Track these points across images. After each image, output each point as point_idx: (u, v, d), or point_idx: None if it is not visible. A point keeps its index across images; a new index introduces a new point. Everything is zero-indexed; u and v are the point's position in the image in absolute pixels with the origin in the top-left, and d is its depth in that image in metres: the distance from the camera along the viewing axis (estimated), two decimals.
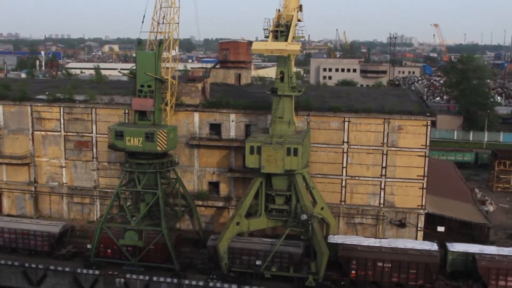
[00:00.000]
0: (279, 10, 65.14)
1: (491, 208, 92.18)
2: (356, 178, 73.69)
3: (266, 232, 73.53)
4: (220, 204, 76.13)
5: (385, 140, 72.31)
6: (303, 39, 68.37)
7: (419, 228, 73.67)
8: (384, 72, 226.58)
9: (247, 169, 68.77)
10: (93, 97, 78.66)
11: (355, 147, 73.01)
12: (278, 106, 65.20)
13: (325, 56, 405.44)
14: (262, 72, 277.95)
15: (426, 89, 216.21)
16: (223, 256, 64.80)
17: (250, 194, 65.59)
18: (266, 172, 63.36)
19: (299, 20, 66.96)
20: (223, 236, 64.86)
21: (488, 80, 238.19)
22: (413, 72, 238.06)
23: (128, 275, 66.64)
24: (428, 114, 71.85)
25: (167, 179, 70.31)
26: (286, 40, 63.24)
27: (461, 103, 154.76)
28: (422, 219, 73.64)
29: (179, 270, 66.39)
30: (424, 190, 72.97)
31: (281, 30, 63.71)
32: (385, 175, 73.03)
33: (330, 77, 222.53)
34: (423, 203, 73.17)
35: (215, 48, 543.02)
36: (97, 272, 67.41)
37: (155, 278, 65.74)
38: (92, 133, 78.97)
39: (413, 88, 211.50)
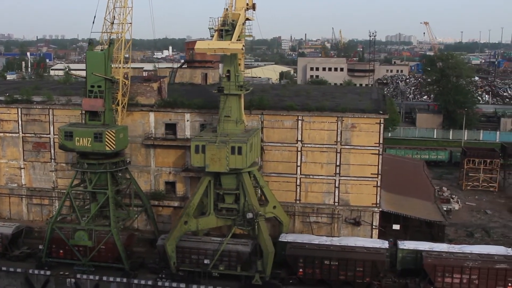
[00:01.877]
0: (226, 9, 65.11)
1: (456, 206, 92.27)
2: (311, 176, 73.59)
3: (223, 231, 73.42)
4: (176, 203, 76.10)
5: (339, 139, 72.20)
6: (251, 38, 68.46)
7: (374, 226, 73.52)
8: (372, 71, 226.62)
9: (202, 169, 68.81)
10: (50, 98, 78.68)
11: (309, 145, 72.91)
12: (225, 105, 65.21)
13: (320, 55, 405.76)
14: (251, 72, 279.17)
15: (413, 88, 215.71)
16: (171, 255, 64.89)
17: (198, 193, 65.66)
18: (210, 171, 63.43)
19: (248, 19, 67.07)
20: (171, 235, 64.99)
21: (477, 78, 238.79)
22: (401, 71, 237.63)
23: (78, 275, 66.78)
24: (381, 112, 71.69)
25: (119, 179, 70.35)
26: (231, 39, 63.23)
27: (441, 102, 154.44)
28: (376, 217, 73.46)
29: (129, 270, 66.46)
30: (378, 188, 72.79)
31: (226, 29, 63.68)
32: (339, 173, 72.90)
33: (317, 76, 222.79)
34: (378, 201, 73.02)
35: None
36: (48, 272, 67.54)
37: (104, 278, 65.93)
38: (49, 134, 78.99)
39: (402, 86, 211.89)
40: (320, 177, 73.41)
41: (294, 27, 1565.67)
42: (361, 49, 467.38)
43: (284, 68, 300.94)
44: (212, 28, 64.44)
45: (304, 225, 74.87)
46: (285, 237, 68.74)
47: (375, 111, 71.74)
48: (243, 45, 62.06)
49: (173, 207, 76.71)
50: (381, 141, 71.82)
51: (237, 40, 62.88)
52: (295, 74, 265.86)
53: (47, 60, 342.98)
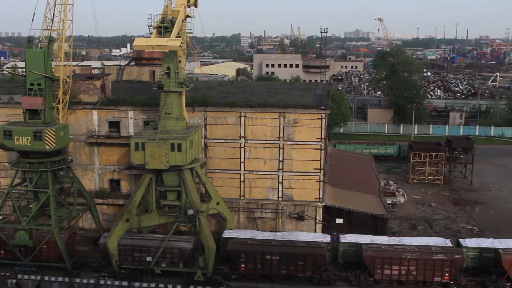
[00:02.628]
0: (166, 6, 65.07)
1: (401, 200, 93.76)
2: (254, 172, 74.13)
3: (169, 228, 73.16)
4: (121, 201, 75.59)
5: (281, 134, 72.85)
6: (191, 35, 68.57)
7: (317, 221, 74.37)
8: (327, 67, 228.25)
9: (143, 166, 68.60)
10: None
11: (252, 141, 73.41)
12: (166, 102, 65.18)
13: (278, 52, 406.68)
14: (207, 69, 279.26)
15: (368, 83, 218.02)
16: (113, 253, 64.79)
17: (139, 191, 65.64)
18: (150, 168, 63.39)
19: (188, 16, 67.12)
20: (112, 233, 64.91)
21: (429, 73, 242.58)
22: (356, 67, 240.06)
23: (20, 276, 66.07)
24: (322, 107, 72.51)
25: (61, 178, 69.87)
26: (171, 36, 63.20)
27: (391, 97, 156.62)
28: (320, 211, 74.37)
29: (71, 269, 66.10)
30: (321, 183, 73.66)
31: (165, 26, 63.65)
32: (283, 169, 73.59)
33: (273, 73, 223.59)
34: (321, 196, 73.88)
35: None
36: None
37: (46, 278, 65.16)
38: None
39: (355, 82, 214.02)
40: (264, 172, 74.00)
41: (255, 24, 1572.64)
42: (319, 46, 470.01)
43: (241, 65, 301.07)
44: (151, 25, 64.29)
45: (249, 221, 75.35)
46: (229, 233, 69.24)
47: (317, 107, 72.55)
48: (181, 42, 61.94)
49: (118, 205, 76.24)
50: (323, 136, 72.67)
51: (176, 37, 62.85)
52: (252, 70, 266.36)
53: (2, 58, 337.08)
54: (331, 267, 66.69)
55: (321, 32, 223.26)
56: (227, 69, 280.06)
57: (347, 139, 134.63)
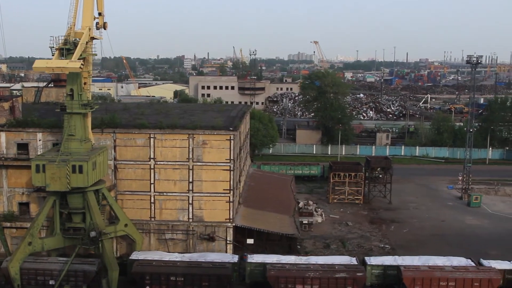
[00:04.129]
0: (70, 28, 64.97)
1: (319, 219, 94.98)
2: (164, 194, 74.16)
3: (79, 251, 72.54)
4: (29, 224, 74.64)
5: (191, 155, 73.19)
6: (95, 57, 68.56)
7: (228, 241, 74.70)
8: (262, 89, 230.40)
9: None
10: None
11: (161, 163, 73.51)
12: (69, 124, 64.88)
13: (217, 74, 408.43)
14: (145, 91, 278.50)
15: (302, 105, 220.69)
16: (15, 278, 63.76)
17: (42, 213, 64.98)
18: (51, 190, 62.84)
19: (94, 38, 67.18)
20: (14, 257, 63.98)
21: (361, 95, 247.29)
22: (291, 89, 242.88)
23: None
24: (231, 128, 73.23)
25: None
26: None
27: (319, 118, 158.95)
28: (230, 232, 74.75)
29: None
30: (231, 204, 74.15)
31: (67, 48, 63.46)
32: (193, 190, 73.87)
33: (208, 95, 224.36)
34: (231, 216, 74.33)
35: (111, 67, 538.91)
36: None
37: None
38: None
39: (285, 103, 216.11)
40: (174, 194, 74.09)
41: (200, 46, 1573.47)
42: (260, 68, 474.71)
43: (180, 87, 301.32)
44: (53, 47, 64.03)
45: (160, 242, 75.17)
46: (136, 255, 68.91)
47: (225, 128, 73.24)
48: (82, 64, 61.74)
49: (27, 228, 75.11)
50: (232, 157, 73.24)
51: (79, 59, 62.74)
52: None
53: None
54: (239, 287, 67.03)
55: (250, 55, 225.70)
56: (165, 91, 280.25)
57: (276, 160, 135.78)
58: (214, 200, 74.00)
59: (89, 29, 65.78)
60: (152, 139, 73.19)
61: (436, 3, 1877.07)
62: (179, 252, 72.21)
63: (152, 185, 74.02)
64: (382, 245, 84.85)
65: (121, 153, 73.52)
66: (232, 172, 73.61)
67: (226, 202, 74.06)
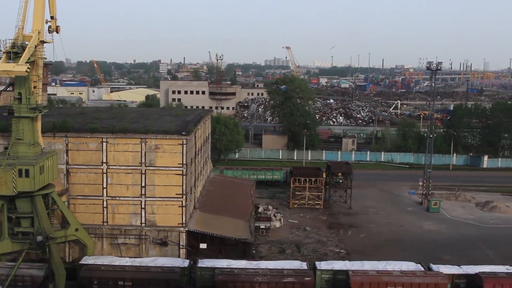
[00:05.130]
0: (18, 31, 64.54)
1: (277, 224, 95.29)
2: (117, 198, 73.86)
3: (31, 256, 71.85)
4: None
5: (143, 160, 73.08)
6: (45, 60, 68.20)
7: (181, 246, 74.64)
8: (233, 94, 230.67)
9: None
10: None
11: (114, 167, 73.25)
12: (17, 128, 64.49)
13: (193, 79, 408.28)
14: (116, 96, 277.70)
15: (269, 110, 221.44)
16: None
17: None
18: None
19: (44, 42, 66.83)
20: None
21: (331, 100, 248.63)
22: (262, 94, 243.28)
23: None
24: (184, 133, 73.28)
25: None
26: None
27: (285, 123, 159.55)
28: (183, 236, 74.70)
29: None
30: (184, 208, 74.14)
31: (15, 51, 63.08)
32: (145, 194, 73.67)
33: (179, 99, 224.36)
34: (184, 221, 74.31)
35: (86, 71, 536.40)
36: None
37: None
38: None
39: (253, 108, 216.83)
40: (126, 198, 73.86)
41: (176, 51, 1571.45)
42: (235, 73, 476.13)
43: (153, 92, 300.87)
44: (1, 50, 63.61)
45: (113, 247, 74.83)
46: (86, 260, 68.67)
47: (178, 132, 73.26)
48: (29, 67, 61.39)
49: None
50: (185, 162, 73.25)
51: (27, 62, 62.43)
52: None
53: None
54: None
55: (217, 60, 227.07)
56: (137, 95, 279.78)
57: (241, 165, 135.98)
58: (167, 204, 73.89)
59: (39, 32, 65.40)
60: (104, 144, 72.94)
61: (412, 10, 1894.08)
62: (131, 257, 72.07)
63: (104, 190, 73.71)
64: (338, 250, 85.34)
65: (73, 157, 73.18)
66: (185, 177, 73.60)
67: (179, 206, 74.00)
